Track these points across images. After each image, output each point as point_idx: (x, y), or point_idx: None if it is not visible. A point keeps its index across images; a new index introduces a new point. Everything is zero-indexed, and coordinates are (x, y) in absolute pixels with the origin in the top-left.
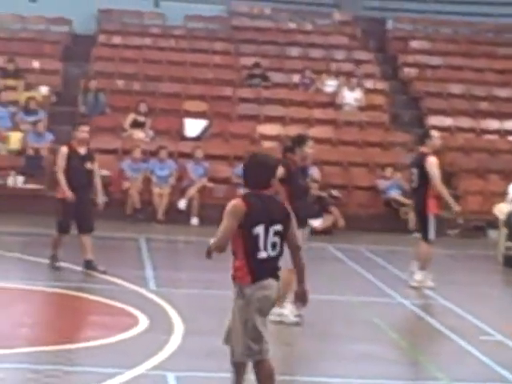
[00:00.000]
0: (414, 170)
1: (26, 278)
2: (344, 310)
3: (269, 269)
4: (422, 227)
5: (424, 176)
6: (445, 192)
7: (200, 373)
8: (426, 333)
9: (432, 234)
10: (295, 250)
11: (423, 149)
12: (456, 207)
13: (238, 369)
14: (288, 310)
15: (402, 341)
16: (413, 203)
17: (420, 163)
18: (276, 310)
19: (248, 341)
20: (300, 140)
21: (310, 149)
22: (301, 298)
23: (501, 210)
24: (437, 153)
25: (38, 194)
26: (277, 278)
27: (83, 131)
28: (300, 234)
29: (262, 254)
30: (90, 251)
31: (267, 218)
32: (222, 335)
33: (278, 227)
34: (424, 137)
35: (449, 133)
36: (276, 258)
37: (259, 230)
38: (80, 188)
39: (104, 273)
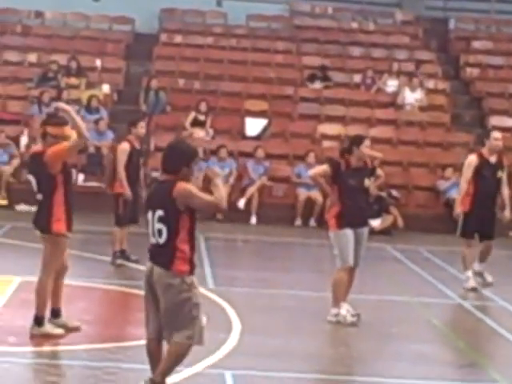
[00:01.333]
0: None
1: (86, 275)
2: (402, 310)
3: (150, 253)
4: None
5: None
6: (460, 192)
7: (257, 372)
8: (484, 334)
9: (458, 231)
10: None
11: (483, 150)
12: (457, 210)
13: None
14: (345, 310)
15: (460, 342)
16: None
17: None
18: (333, 310)
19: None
20: (357, 140)
21: (366, 149)
22: None
23: None
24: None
25: (99, 192)
26: (158, 264)
27: (142, 127)
28: (351, 234)
29: (151, 240)
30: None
31: (152, 204)
32: (278, 334)
33: (160, 213)
34: (483, 137)
35: (510, 133)
36: (162, 246)
37: (148, 216)
38: (135, 183)
39: (137, 261)
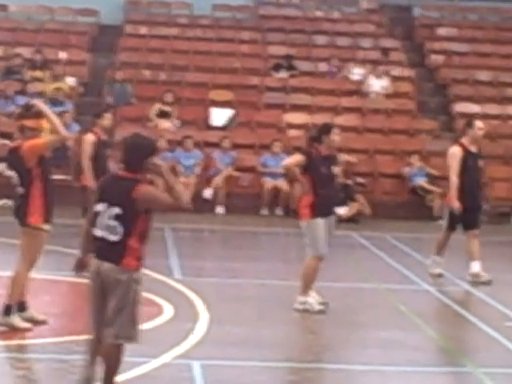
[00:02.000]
0: None
1: (53, 268)
2: (369, 297)
3: (96, 247)
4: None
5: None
6: (452, 186)
7: (225, 361)
8: (451, 319)
9: (445, 223)
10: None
11: (462, 139)
12: (455, 205)
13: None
14: (312, 298)
15: (428, 327)
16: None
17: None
18: (301, 298)
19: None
20: (325, 129)
21: (336, 136)
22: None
23: None
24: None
25: (65, 185)
26: (106, 259)
27: (107, 118)
28: (323, 223)
29: (97, 233)
30: None
31: (109, 198)
32: (246, 324)
33: (116, 210)
34: (466, 125)
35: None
36: (113, 244)
37: (99, 208)
38: (102, 175)
39: None
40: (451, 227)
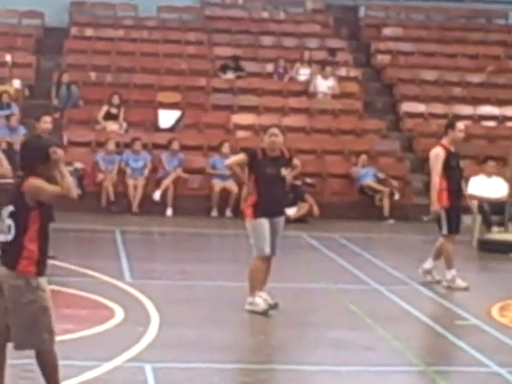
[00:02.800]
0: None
1: None
2: (320, 297)
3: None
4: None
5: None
6: (434, 188)
7: (177, 363)
8: (402, 319)
9: (445, 229)
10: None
11: (443, 140)
12: (434, 207)
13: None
14: (260, 298)
15: (379, 327)
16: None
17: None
18: (249, 298)
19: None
20: (265, 129)
21: (270, 137)
22: None
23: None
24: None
25: (11, 189)
26: (4, 264)
27: (46, 122)
28: (266, 223)
29: (0, 238)
30: None
31: (4, 199)
32: (197, 326)
33: (10, 208)
34: (447, 127)
35: (422, 119)
36: (9, 244)
37: (2, 211)
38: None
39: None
40: (452, 231)
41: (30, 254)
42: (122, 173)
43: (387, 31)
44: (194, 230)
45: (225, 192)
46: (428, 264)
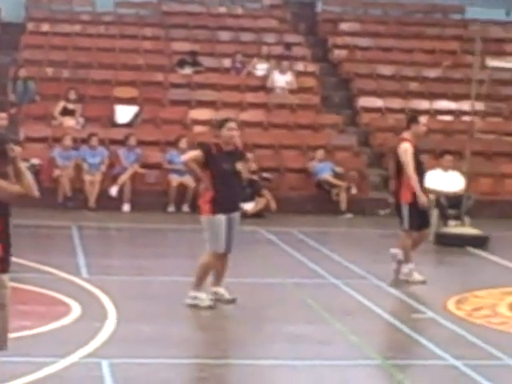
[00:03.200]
0: (392, 156)
1: None
2: (277, 292)
3: None
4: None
5: (397, 160)
6: (413, 182)
7: (134, 359)
8: (358, 312)
9: (406, 225)
10: None
11: (405, 134)
12: (422, 199)
13: None
14: (204, 294)
15: (336, 321)
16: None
17: (396, 148)
18: (192, 292)
19: None
20: (220, 123)
21: (229, 131)
22: None
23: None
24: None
25: None
26: None
27: (2, 118)
28: (224, 219)
29: None
30: None
31: None
32: (154, 321)
33: None
34: (410, 121)
35: (379, 114)
36: None
37: None
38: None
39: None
40: (413, 227)
41: None
42: (78, 168)
43: (344, 26)
44: (150, 226)
45: (182, 187)
46: (406, 268)
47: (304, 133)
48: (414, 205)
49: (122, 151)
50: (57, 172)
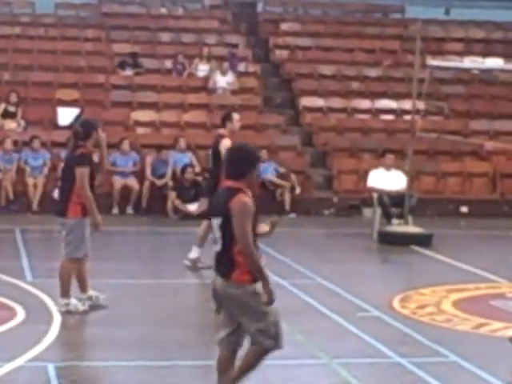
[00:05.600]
0: (210, 151)
1: None
2: None
3: (215, 262)
4: None
5: (218, 157)
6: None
7: (79, 362)
8: (304, 312)
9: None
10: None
11: (221, 131)
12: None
13: None
14: (75, 300)
15: (282, 321)
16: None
17: (215, 145)
18: (63, 300)
19: None
20: (90, 126)
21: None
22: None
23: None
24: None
25: None
26: (218, 272)
27: None
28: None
29: (214, 248)
30: None
31: (214, 210)
32: (99, 324)
33: (218, 220)
34: (224, 119)
35: (321, 113)
36: (219, 254)
37: (214, 222)
38: None
39: None
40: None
41: None
42: (21, 171)
43: (285, 26)
44: None
45: (126, 189)
46: (194, 253)
47: (246, 133)
48: None
49: (64, 153)
50: None
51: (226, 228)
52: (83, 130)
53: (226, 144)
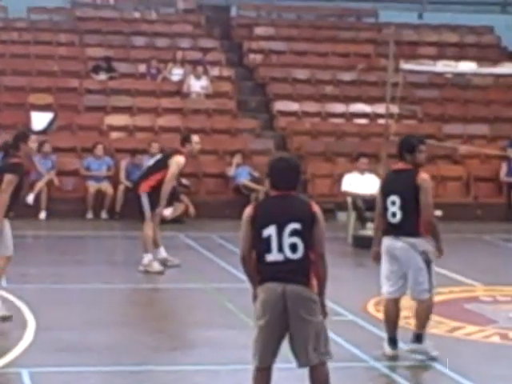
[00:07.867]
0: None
1: None
2: (197, 297)
3: (275, 271)
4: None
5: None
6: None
7: (55, 367)
8: None
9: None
10: (316, 257)
11: (182, 148)
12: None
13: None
14: None
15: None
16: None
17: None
18: None
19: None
20: (21, 136)
21: (32, 144)
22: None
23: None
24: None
25: None
26: (283, 280)
27: None
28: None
29: (270, 257)
30: None
31: (281, 218)
32: (74, 328)
33: (295, 226)
34: (184, 140)
35: (295, 117)
36: (294, 261)
37: (270, 231)
38: None
39: None
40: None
41: None
42: None
43: (259, 30)
44: (68, 233)
45: (100, 194)
46: (160, 254)
47: (221, 138)
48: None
49: (37, 158)
50: None
51: (303, 234)
52: (12, 141)
53: (179, 161)
